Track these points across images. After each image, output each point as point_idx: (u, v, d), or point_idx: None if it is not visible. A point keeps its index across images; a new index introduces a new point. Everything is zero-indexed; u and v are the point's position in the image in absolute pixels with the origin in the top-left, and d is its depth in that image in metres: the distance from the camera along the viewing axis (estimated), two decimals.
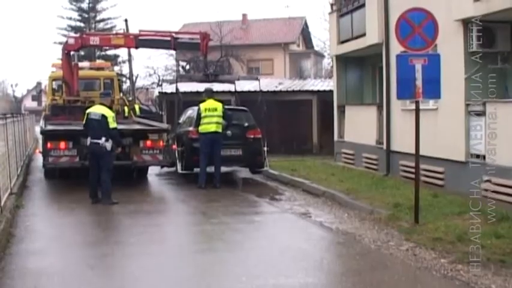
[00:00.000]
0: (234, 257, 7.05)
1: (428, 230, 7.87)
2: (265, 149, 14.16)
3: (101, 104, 11.20)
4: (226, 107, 13.34)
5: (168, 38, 14.96)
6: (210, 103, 12.83)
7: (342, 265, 6.86)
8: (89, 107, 11.68)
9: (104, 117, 10.73)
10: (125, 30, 32.88)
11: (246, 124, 13.94)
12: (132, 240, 7.90)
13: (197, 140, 12.94)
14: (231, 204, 10.88)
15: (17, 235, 8.02)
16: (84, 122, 11.02)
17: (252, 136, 13.83)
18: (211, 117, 12.67)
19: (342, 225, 8.81)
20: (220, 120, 12.75)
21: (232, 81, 16.87)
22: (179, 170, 13.68)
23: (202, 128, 12.69)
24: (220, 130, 12.75)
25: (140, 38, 15.01)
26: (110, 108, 11.34)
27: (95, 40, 15.58)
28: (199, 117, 12.74)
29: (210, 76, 15.49)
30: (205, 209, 10.30)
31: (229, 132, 13.17)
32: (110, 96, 12.12)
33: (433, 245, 7.19)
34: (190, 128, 13.59)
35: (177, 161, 13.75)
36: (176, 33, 15.07)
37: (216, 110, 12.73)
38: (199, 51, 15.20)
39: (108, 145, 10.72)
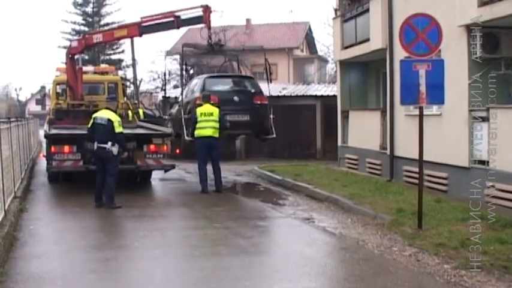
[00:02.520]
0: (238, 262, 7.04)
1: (432, 235, 7.86)
2: (272, 116, 14.04)
3: (107, 108, 11.26)
4: (233, 74, 13.06)
5: (171, 19, 14.63)
6: (206, 108, 12.71)
7: (345, 270, 6.85)
8: (94, 112, 11.73)
9: (110, 121, 10.76)
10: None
11: (253, 90, 13.89)
12: (135, 245, 7.92)
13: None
14: (234, 208, 10.88)
15: (21, 239, 8.03)
16: (89, 125, 11.06)
17: (258, 102, 13.76)
18: (207, 121, 12.57)
19: (345, 230, 8.81)
20: (217, 125, 12.61)
21: (236, 53, 16.76)
22: (185, 138, 13.47)
23: (198, 133, 12.64)
24: (216, 135, 12.65)
25: (143, 24, 14.76)
26: (115, 112, 11.38)
27: (98, 37, 15.42)
28: (195, 121, 12.67)
29: (214, 46, 15.04)
30: (209, 214, 10.29)
31: (236, 97, 13.04)
32: (116, 101, 12.12)
33: (436, 250, 7.18)
34: (197, 94, 13.45)
35: (184, 129, 13.54)
36: (177, 11, 14.85)
37: (212, 114, 12.61)
38: (203, 24, 14.95)
39: (115, 149, 10.76)
